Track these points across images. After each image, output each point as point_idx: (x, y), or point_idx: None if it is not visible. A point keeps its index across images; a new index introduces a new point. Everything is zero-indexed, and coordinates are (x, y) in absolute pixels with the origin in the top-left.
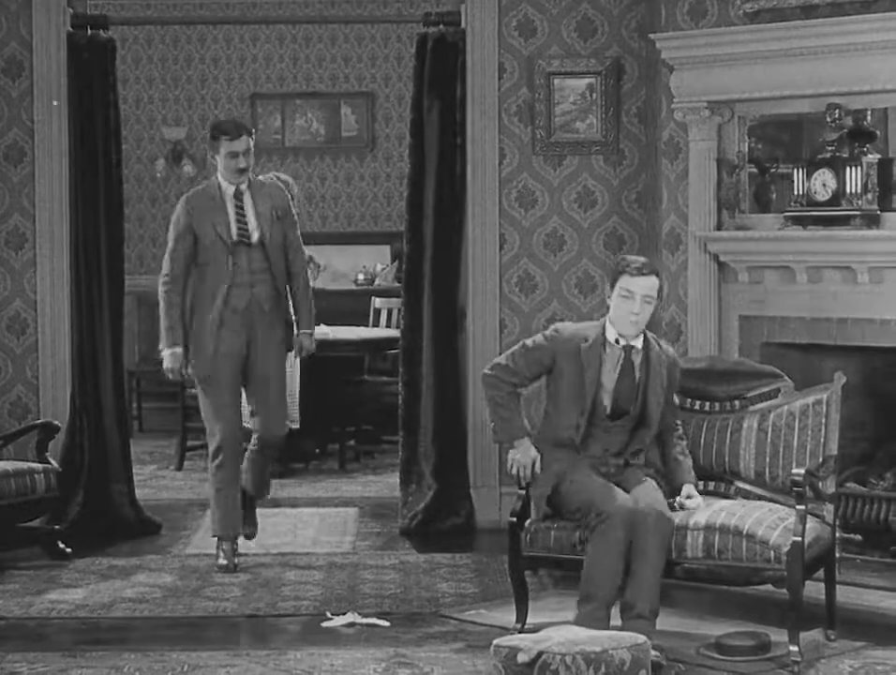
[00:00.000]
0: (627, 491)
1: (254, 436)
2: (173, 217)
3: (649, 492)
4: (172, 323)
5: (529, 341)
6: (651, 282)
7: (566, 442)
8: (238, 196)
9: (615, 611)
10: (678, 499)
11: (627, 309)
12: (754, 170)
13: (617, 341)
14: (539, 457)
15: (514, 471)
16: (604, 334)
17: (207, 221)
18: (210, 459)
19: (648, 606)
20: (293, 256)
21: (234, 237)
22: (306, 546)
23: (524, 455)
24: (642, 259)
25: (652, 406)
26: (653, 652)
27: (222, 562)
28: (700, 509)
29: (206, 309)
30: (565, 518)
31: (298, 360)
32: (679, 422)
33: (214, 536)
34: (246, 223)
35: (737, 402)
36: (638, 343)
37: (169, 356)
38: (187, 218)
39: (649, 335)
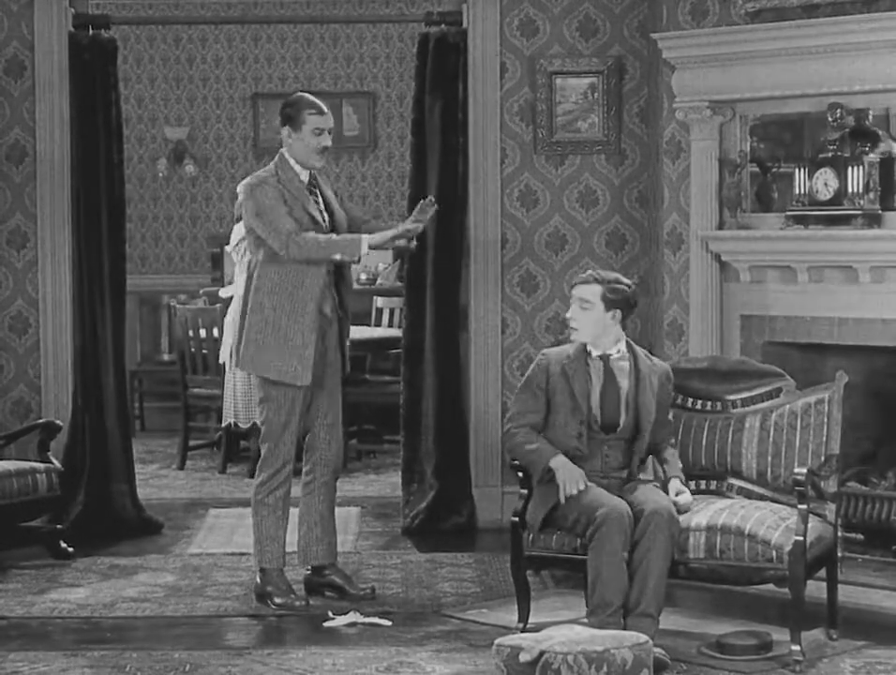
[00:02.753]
0: (631, 501)
1: (319, 464)
2: (258, 200)
3: (656, 494)
4: None
5: (524, 378)
6: (585, 290)
7: (571, 455)
8: (313, 180)
9: None
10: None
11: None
12: (756, 169)
13: (591, 353)
14: (581, 471)
15: (567, 492)
16: (585, 348)
17: (300, 208)
18: (266, 479)
19: (653, 604)
20: None
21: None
22: None
23: (568, 471)
24: (593, 272)
25: (643, 415)
26: (658, 650)
27: (279, 600)
28: (701, 509)
29: (301, 313)
30: (563, 530)
31: None
32: (671, 435)
33: (261, 569)
34: (322, 211)
35: (738, 401)
36: (614, 351)
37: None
38: (285, 205)
39: (637, 348)
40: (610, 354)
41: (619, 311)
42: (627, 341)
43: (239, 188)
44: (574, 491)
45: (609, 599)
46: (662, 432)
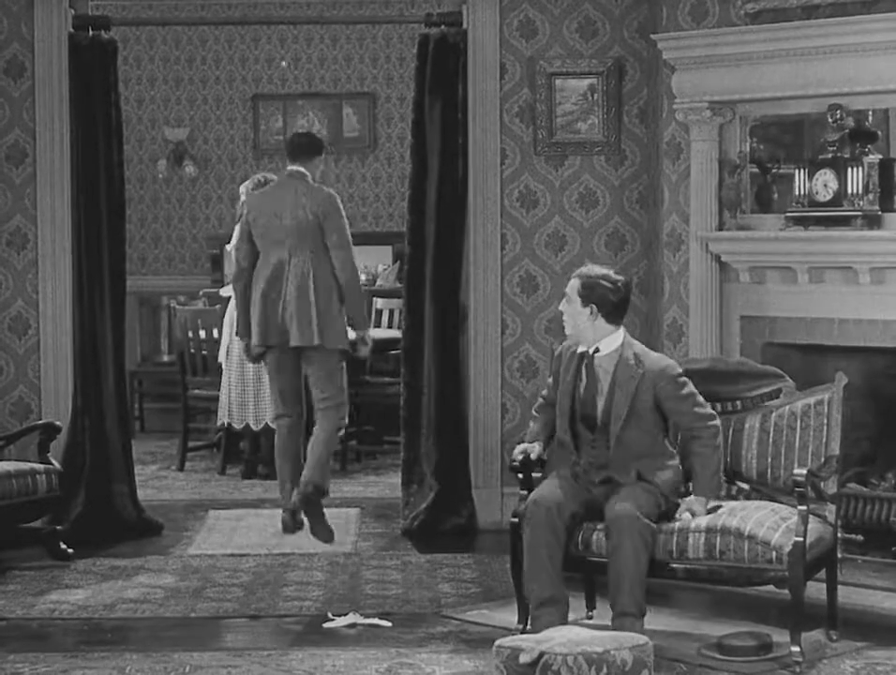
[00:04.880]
0: (607, 500)
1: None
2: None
3: (627, 496)
4: None
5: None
6: (569, 284)
7: (565, 448)
8: None
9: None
10: (677, 514)
11: None
12: (756, 170)
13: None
14: (539, 444)
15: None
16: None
17: None
18: (343, 423)
19: (631, 603)
20: None
21: None
22: (308, 546)
23: (526, 445)
24: (586, 267)
25: (613, 417)
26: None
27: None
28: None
29: None
30: None
31: None
32: (702, 427)
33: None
34: None
35: (738, 403)
36: (595, 348)
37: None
38: None
39: (630, 349)
40: (593, 351)
41: (594, 306)
42: (625, 340)
43: (326, 198)
44: (517, 456)
45: (535, 592)
46: (686, 424)
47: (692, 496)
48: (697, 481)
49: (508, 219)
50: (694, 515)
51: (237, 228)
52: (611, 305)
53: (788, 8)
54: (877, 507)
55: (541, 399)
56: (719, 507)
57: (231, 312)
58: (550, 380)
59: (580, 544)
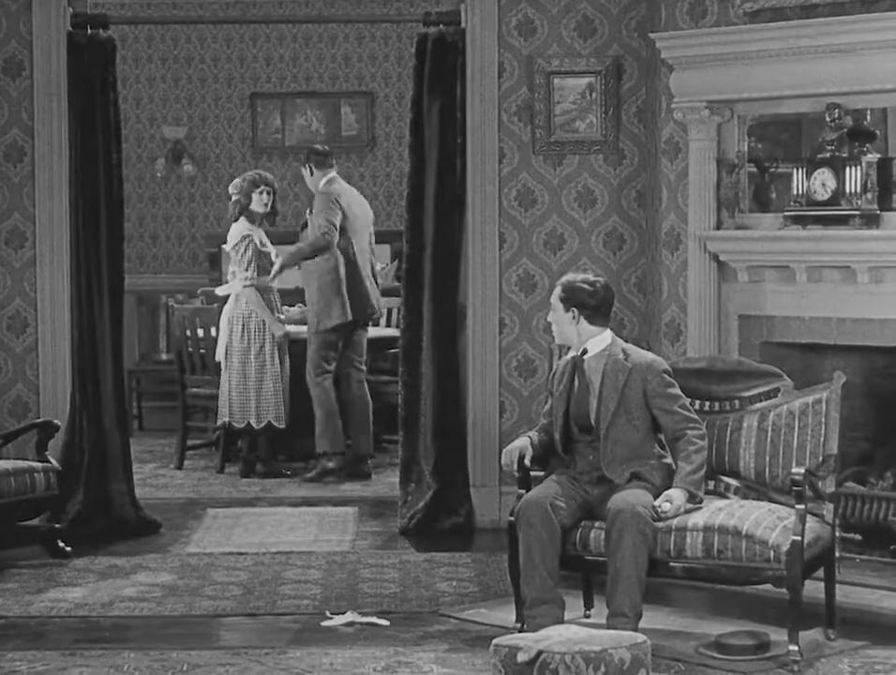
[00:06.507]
0: (604, 503)
1: None
2: None
3: (628, 493)
4: None
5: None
6: (553, 293)
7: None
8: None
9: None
10: (656, 502)
11: None
12: (754, 169)
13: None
14: (528, 445)
15: (502, 463)
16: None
17: None
18: None
19: (626, 603)
20: None
21: None
22: (306, 545)
23: (513, 444)
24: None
25: (603, 414)
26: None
27: None
28: (699, 509)
29: None
30: None
31: (287, 358)
32: (688, 428)
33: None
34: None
35: (736, 402)
36: (583, 350)
37: None
38: None
39: (617, 347)
40: (582, 353)
41: (575, 309)
42: (613, 340)
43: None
44: (505, 461)
45: (526, 593)
46: (672, 424)
47: (668, 490)
48: (678, 474)
49: (506, 218)
50: (671, 503)
51: (234, 226)
52: (591, 307)
53: (787, 7)
54: (875, 506)
55: (542, 420)
56: (701, 500)
57: (231, 310)
58: (546, 406)
59: (578, 542)
